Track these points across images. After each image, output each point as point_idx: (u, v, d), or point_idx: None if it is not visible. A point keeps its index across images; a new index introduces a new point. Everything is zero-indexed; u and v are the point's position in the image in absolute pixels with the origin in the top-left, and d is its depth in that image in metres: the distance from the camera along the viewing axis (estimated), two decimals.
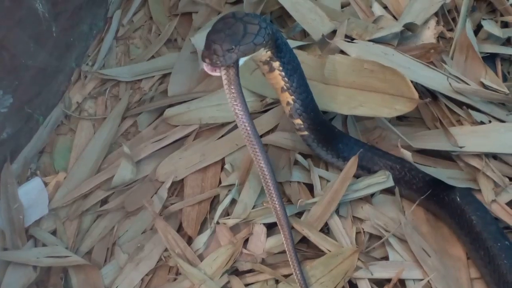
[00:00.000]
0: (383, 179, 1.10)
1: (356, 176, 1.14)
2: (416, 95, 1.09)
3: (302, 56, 1.21)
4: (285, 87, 1.02)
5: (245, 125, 0.93)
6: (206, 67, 0.90)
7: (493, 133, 1.13)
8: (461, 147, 1.11)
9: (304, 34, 1.36)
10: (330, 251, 1.05)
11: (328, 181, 1.15)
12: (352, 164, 1.10)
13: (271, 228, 1.11)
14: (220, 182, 1.19)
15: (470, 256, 1.05)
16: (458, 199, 1.05)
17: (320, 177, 1.15)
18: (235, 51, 0.88)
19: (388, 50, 1.22)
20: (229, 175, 1.18)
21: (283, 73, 1.00)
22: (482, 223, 1.03)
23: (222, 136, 1.25)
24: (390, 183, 1.09)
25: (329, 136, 1.13)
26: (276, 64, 0.99)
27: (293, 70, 1.01)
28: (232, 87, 0.91)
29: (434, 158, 1.16)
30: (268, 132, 1.24)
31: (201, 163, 1.21)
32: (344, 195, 1.09)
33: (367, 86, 1.14)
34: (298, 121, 1.08)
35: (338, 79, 1.17)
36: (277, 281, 1.06)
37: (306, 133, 1.10)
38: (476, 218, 1.04)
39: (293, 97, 1.03)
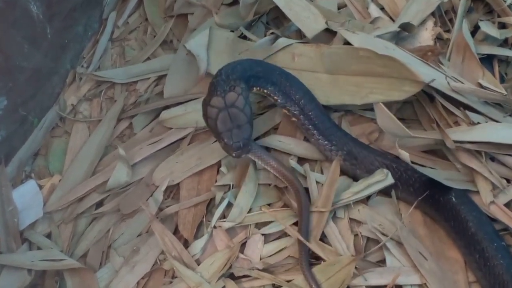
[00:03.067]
0: (382, 177, 1.08)
1: (354, 178, 1.14)
2: (420, 77, 1.09)
3: (299, 49, 1.24)
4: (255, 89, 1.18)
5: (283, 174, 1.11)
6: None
7: (490, 129, 1.12)
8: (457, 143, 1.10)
9: (300, 34, 1.36)
10: (328, 258, 1.05)
11: (323, 185, 1.14)
12: (335, 167, 1.10)
13: (267, 234, 1.12)
14: None
15: (465, 260, 1.05)
16: (454, 200, 1.05)
17: (317, 182, 1.14)
18: (251, 132, 1.06)
19: (389, 45, 1.23)
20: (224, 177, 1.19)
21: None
22: (478, 224, 1.03)
23: None
24: (390, 180, 1.08)
25: (321, 126, 1.15)
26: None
27: (256, 77, 1.14)
28: (260, 154, 1.11)
29: (433, 158, 1.15)
30: (264, 134, 1.24)
31: (197, 166, 1.21)
32: (345, 198, 1.09)
33: (370, 72, 1.16)
34: (284, 110, 1.17)
35: (340, 68, 1.19)
36: (274, 286, 1.05)
37: (294, 119, 1.16)
38: (471, 219, 1.03)
39: (266, 90, 1.16)
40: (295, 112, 1.16)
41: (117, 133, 1.33)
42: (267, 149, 1.18)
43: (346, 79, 1.19)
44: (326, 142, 1.15)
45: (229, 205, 1.13)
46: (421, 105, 1.21)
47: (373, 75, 1.16)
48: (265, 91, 1.17)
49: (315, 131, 1.15)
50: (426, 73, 1.17)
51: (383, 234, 1.06)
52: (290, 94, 1.16)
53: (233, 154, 1.05)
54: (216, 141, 1.23)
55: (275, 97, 1.17)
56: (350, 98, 1.18)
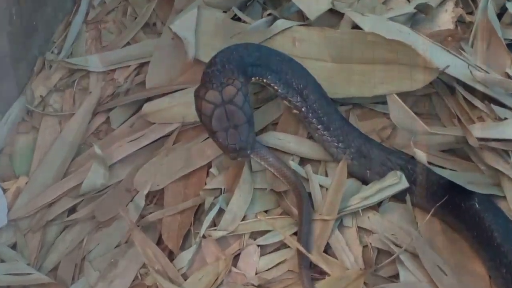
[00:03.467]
0: (395, 180, 1.03)
1: (363, 181, 1.08)
2: (433, 64, 1.07)
3: (300, 33, 1.20)
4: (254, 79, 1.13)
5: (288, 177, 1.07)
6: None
7: None
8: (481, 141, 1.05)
9: (302, 16, 1.30)
10: (334, 272, 0.99)
11: (328, 189, 1.09)
12: (342, 168, 1.05)
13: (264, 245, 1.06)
14: None
15: (490, 274, 0.99)
16: (477, 206, 0.99)
17: (321, 186, 1.09)
18: (251, 131, 1.01)
19: (404, 28, 1.19)
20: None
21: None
22: (504, 233, 0.97)
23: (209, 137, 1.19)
24: (404, 184, 1.03)
25: (326, 120, 1.10)
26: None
27: (255, 65, 1.10)
28: (263, 153, 1.07)
29: (453, 158, 1.10)
30: (261, 131, 1.18)
31: (185, 168, 1.15)
32: (353, 204, 1.04)
33: (378, 59, 1.13)
34: (284, 101, 1.13)
35: (345, 55, 1.17)
36: None
37: (295, 111, 1.13)
38: (497, 228, 0.97)
39: (265, 80, 1.11)
40: (297, 103, 1.11)
41: (92, 129, 1.28)
42: None
43: (353, 68, 1.16)
44: (332, 138, 1.09)
45: (220, 212, 1.08)
46: (440, 98, 1.16)
47: (382, 63, 1.12)
48: (265, 80, 1.12)
49: (319, 126, 1.10)
50: (445, 61, 1.11)
51: (396, 245, 1.00)
52: (292, 83, 1.11)
53: (229, 156, 1.02)
54: (207, 138, 1.17)
55: (276, 87, 1.12)
56: (358, 89, 1.14)
